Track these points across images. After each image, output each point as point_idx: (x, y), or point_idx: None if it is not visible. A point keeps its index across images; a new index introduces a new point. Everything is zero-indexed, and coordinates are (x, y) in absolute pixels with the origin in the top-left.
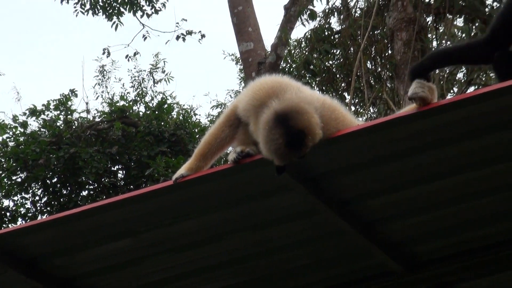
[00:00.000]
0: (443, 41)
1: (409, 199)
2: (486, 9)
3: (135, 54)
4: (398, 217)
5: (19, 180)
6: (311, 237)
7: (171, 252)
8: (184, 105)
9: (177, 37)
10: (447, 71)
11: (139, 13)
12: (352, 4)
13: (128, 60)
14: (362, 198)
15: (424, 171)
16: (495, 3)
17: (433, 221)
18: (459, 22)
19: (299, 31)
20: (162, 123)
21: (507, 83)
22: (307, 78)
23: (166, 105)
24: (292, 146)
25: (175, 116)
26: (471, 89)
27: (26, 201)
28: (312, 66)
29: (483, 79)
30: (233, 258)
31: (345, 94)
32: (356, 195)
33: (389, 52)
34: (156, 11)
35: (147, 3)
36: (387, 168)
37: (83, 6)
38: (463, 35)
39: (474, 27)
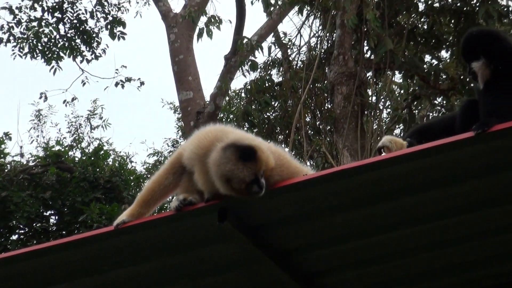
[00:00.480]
0: (381, 97)
1: (351, 251)
2: (425, 66)
3: (73, 99)
4: (339, 269)
5: None
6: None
7: None
8: (120, 152)
9: (116, 84)
10: (384, 127)
11: (78, 59)
12: (293, 56)
13: (66, 105)
14: (304, 250)
15: (365, 224)
16: (433, 61)
17: (376, 274)
18: (398, 78)
19: (238, 81)
20: (98, 170)
21: (442, 142)
22: (246, 129)
23: (102, 152)
24: (247, 158)
25: (111, 163)
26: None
27: None
28: (251, 117)
29: None
30: None
31: (284, 145)
32: (297, 246)
33: (329, 105)
34: (96, 57)
35: (87, 49)
36: (330, 220)
37: (21, 50)
38: (402, 91)
39: (412, 83)
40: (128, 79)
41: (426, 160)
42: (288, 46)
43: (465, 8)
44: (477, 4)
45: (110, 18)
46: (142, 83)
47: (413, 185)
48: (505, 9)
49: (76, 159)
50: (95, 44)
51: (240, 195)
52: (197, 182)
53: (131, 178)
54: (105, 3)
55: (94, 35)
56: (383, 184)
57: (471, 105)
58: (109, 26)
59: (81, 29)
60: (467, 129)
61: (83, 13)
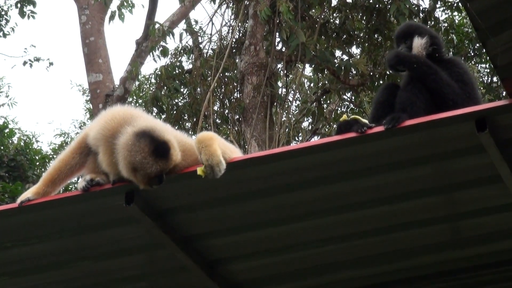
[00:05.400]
0: (291, 89)
1: (255, 240)
2: (336, 61)
3: None
4: (243, 257)
5: None
6: (154, 271)
7: (8, 275)
8: (26, 131)
9: (24, 63)
10: (293, 119)
11: None
12: (204, 44)
13: None
14: (210, 236)
15: (273, 213)
16: (344, 56)
17: (279, 264)
18: (309, 71)
19: (148, 66)
20: (2, 147)
21: (352, 135)
22: (155, 115)
23: (7, 130)
24: (159, 154)
25: (16, 142)
26: (315, 138)
27: None
28: (160, 103)
29: (327, 130)
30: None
31: (191, 133)
32: (203, 232)
33: (238, 95)
34: (5, 35)
35: None
36: (234, 207)
37: None
38: (311, 84)
39: (322, 77)
40: (37, 59)
41: (337, 151)
42: (199, 34)
43: (377, 5)
44: (389, 2)
45: None
46: (51, 64)
47: (325, 176)
48: (416, 7)
49: None
50: (3, 22)
51: (138, 183)
52: (101, 163)
53: (37, 157)
54: None
55: (3, 12)
56: (292, 174)
57: (390, 90)
58: (18, 4)
59: None
60: (379, 117)
61: None
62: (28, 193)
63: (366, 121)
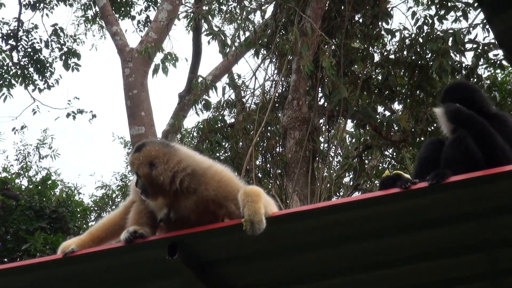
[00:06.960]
0: (333, 144)
1: None
2: (378, 116)
3: (22, 127)
4: None
5: None
6: None
7: None
8: (68, 183)
9: (68, 115)
10: (335, 175)
11: (30, 87)
12: (247, 98)
13: (15, 133)
14: None
15: (315, 268)
16: (386, 112)
17: None
18: (351, 126)
19: (191, 120)
20: (44, 199)
21: (397, 191)
22: None
23: (50, 181)
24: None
25: (58, 193)
26: (356, 194)
27: None
28: None
29: (368, 185)
30: None
31: None
32: (244, 285)
33: (281, 149)
34: (49, 87)
35: (40, 78)
36: (277, 261)
37: None
38: (353, 139)
39: (364, 133)
40: (80, 111)
41: (381, 207)
42: (242, 88)
43: (419, 62)
44: (432, 58)
45: (65, 49)
46: (94, 116)
47: (368, 231)
48: (458, 64)
49: (23, 187)
50: (48, 74)
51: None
52: (154, 207)
53: (78, 209)
54: (61, 34)
55: (47, 64)
56: (338, 228)
57: (434, 146)
58: (63, 57)
59: (35, 57)
60: (423, 173)
61: (37, 42)
62: (72, 244)
63: (408, 176)
